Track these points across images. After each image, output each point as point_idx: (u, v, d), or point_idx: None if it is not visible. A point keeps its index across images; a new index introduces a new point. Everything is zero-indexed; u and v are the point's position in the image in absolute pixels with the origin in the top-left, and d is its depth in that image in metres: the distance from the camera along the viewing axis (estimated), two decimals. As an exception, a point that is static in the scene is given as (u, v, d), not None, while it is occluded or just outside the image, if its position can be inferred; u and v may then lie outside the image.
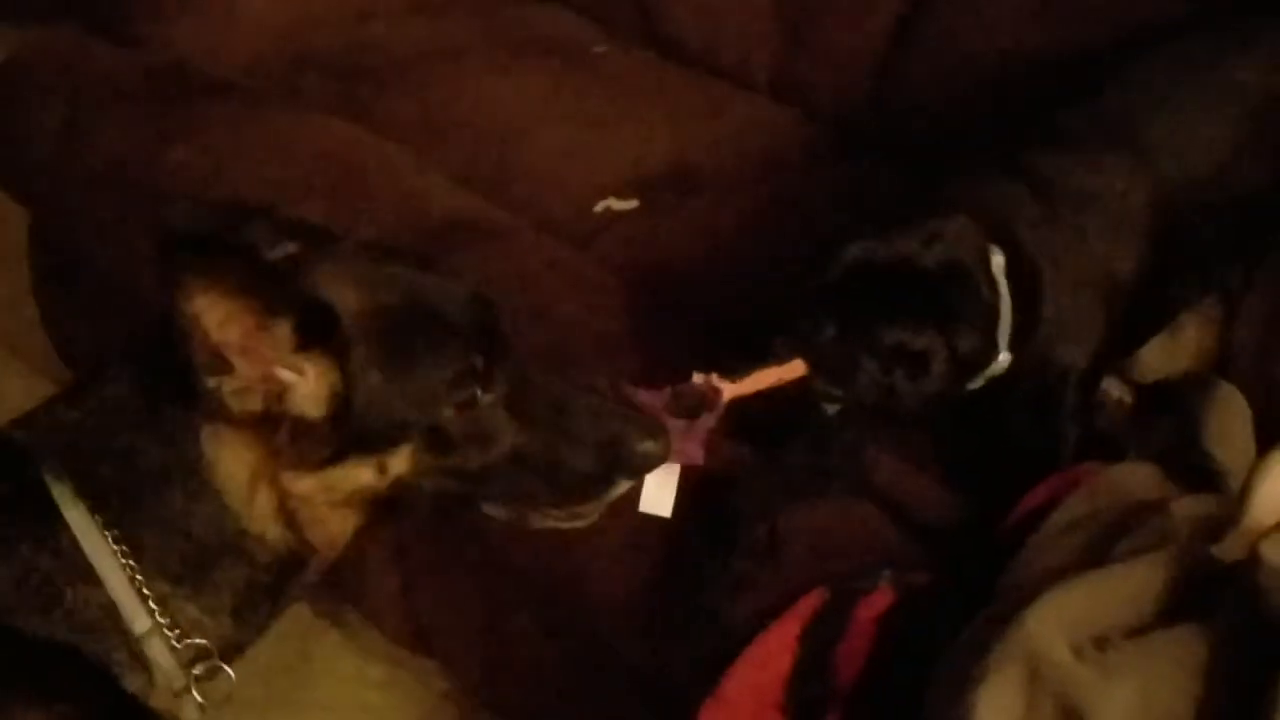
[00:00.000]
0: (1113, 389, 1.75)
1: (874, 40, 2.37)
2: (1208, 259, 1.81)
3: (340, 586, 2.13)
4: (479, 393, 1.25)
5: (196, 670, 1.24)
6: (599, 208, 2.17)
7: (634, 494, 1.42)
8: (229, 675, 1.27)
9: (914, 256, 1.57)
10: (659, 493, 1.49)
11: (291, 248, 1.25)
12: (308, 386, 1.18)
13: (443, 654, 2.11)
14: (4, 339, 2.79)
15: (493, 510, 1.34)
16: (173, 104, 2.29)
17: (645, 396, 1.47)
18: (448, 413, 1.24)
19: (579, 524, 1.36)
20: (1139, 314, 1.76)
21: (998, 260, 1.60)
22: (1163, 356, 1.78)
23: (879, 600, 1.48)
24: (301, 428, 1.19)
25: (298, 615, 1.85)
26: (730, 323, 1.69)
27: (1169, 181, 1.75)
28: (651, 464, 1.36)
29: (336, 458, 1.20)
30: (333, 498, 1.24)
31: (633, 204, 2.18)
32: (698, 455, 1.47)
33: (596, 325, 1.86)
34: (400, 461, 1.23)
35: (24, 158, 2.45)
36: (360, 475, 1.22)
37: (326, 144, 2.21)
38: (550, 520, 1.35)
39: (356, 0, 2.63)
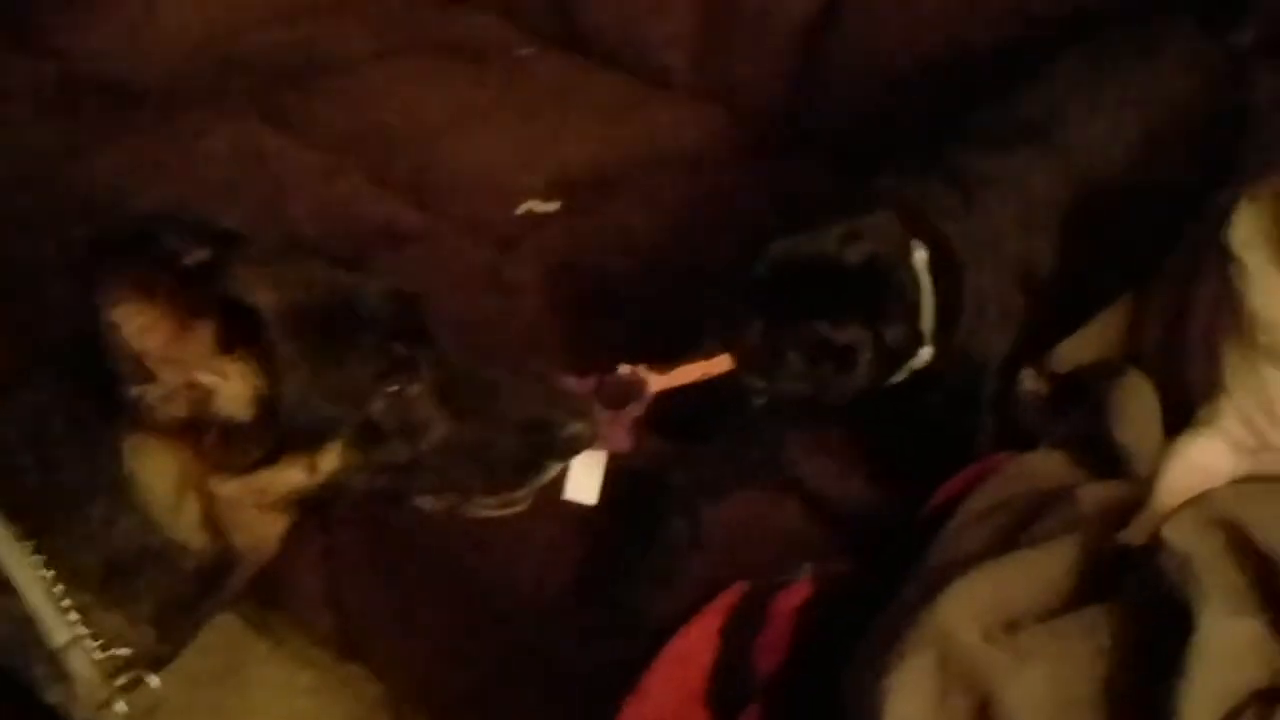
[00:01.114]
0: (1027, 380, 1.76)
1: (793, 39, 2.40)
2: (1123, 254, 1.84)
3: (268, 593, 2.11)
4: (406, 384, 1.25)
5: (120, 681, 1.23)
6: (521, 210, 2.18)
7: (561, 485, 1.45)
8: (154, 685, 1.26)
9: (838, 253, 1.59)
10: (585, 480, 1.51)
11: (208, 253, 1.22)
12: (233, 389, 1.18)
13: (372, 658, 2.11)
14: None
15: (425, 503, 1.33)
16: (89, 114, 2.29)
17: (572, 385, 1.49)
18: (376, 406, 1.23)
19: (511, 511, 1.36)
20: (1059, 309, 1.79)
21: (920, 255, 1.63)
22: (1076, 347, 1.78)
23: (798, 592, 1.50)
24: (229, 431, 1.18)
25: (225, 624, 1.85)
26: (656, 320, 1.71)
27: (1083, 177, 1.78)
28: (580, 445, 1.36)
29: (266, 459, 1.20)
30: (263, 500, 1.23)
31: (555, 205, 2.19)
32: (624, 442, 1.49)
33: (520, 325, 1.87)
34: (331, 459, 1.22)
35: None
36: (291, 476, 1.22)
37: (245, 150, 2.21)
38: (483, 509, 1.35)
39: (275, 5, 2.63)
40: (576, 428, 1.34)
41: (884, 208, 1.65)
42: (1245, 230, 1.57)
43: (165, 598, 1.25)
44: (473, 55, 2.59)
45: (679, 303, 1.64)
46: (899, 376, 1.66)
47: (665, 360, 1.54)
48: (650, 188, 2.21)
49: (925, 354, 1.65)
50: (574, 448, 1.36)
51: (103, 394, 1.15)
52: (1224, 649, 1.23)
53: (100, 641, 1.21)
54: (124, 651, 1.23)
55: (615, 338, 1.64)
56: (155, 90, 2.38)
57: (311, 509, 1.29)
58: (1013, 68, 1.93)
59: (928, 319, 1.63)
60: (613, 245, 2.06)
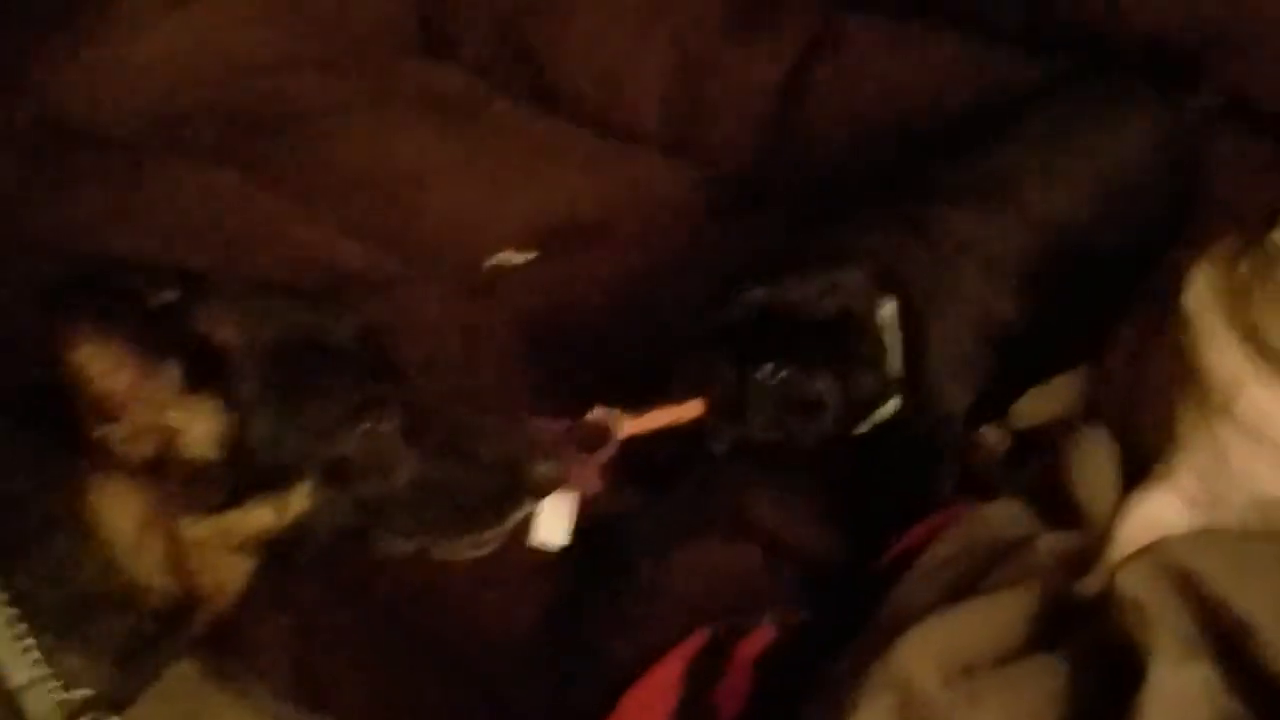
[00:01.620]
0: (989, 435, 1.79)
1: (765, 100, 2.45)
2: (1083, 309, 1.85)
3: (227, 642, 2.05)
4: (377, 421, 1.24)
5: None
6: (492, 261, 2.20)
7: (527, 529, 1.43)
8: None
9: (810, 303, 1.62)
10: (554, 523, 1.49)
11: (173, 295, 1.22)
12: (199, 429, 1.17)
13: (332, 708, 2.07)
14: None
15: (394, 546, 1.32)
16: (59, 156, 2.29)
17: (543, 427, 1.49)
18: (347, 443, 1.22)
19: (480, 553, 1.35)
20: (1021, 361, 1.81)
21: (889, 308, 1.66)
22: (1037, 403, 1.81)
23: (759, 639, 1.52)
24: (196, 472, 1.18)
25: (185, 673, 1.84)
26: (627, 367, 1.73)
27: (1044, 234, 1.83)
28: (551, 485, 1.36)
29: (234, 500, 1.20)
30: (229, 542, 1.22)
31: (529, 256, 2.21)
32: (595, 484, 1.49)
33: (490, 371, 1.89)
34: (300, 498, 1.22)
35: None
36: (260, 516, 1.21)
37: (213, 197, 2.22)
38: (452, 552, 1.34)
39: (247, 54, 2.63)
40: (547, 468, 1.33)
41: (853, 261, 1.68)
42: (1197, 290, 1.60)
43: (127, 639, 1.24)
44: (445, 107, 2.61)
45: (649, 350, 1.66)
46: (864, 428, 1.68)
47: (637, 405, 1.55)
48: (622, 239, 2.23)
49: (892, 404, 1.68)
50: (545, 488, 1.35)
51: (65, 433, 1.15)
52: (1175, 696, 1.25)
53: (61, 682, 1.21)
54: (85, 692, 1.22)
55: (586, 383, 1.65)
56: (126, 135, 2.39)
57: (278, 551, 1.26)
58: (978, 128, 1.98)
59: (894, 369, 1.66)
60: (584, 294, 2.07)
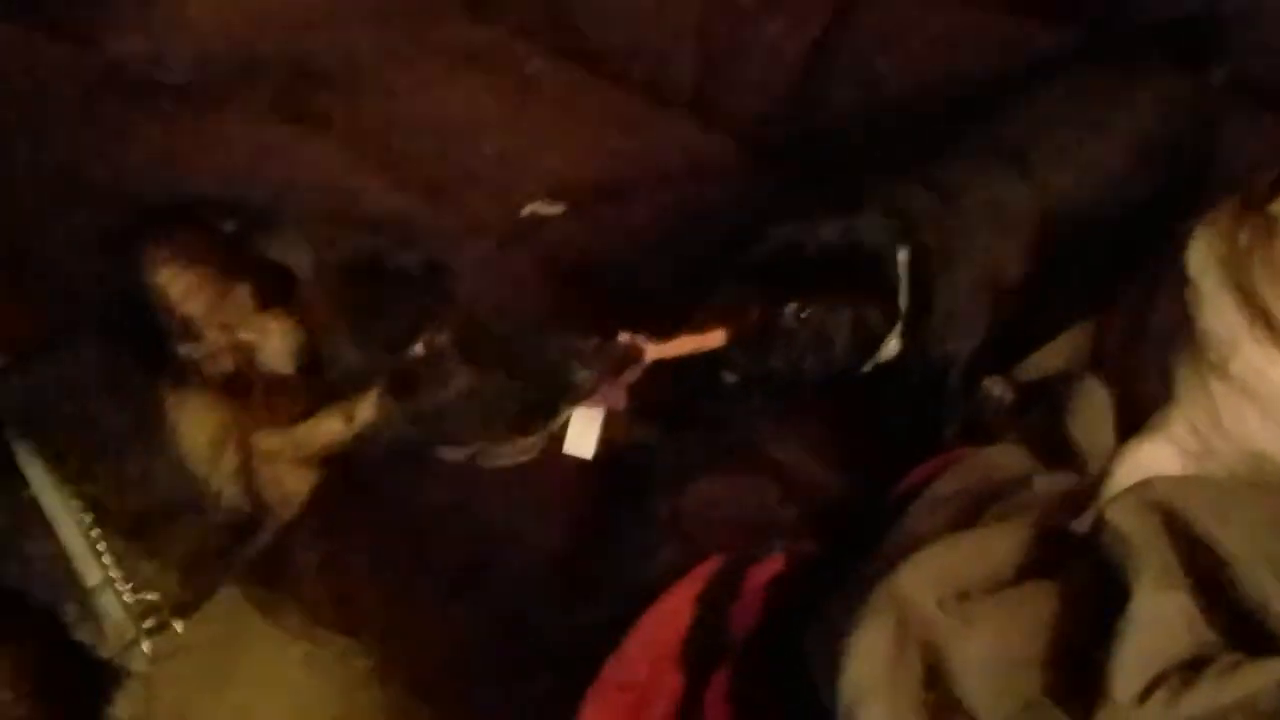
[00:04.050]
0: (995, 387, 1.83)
1: (790, 64, 2.46)
2: (1087, 272, 1.90)
3: (268, 570, 2.10)
4: (435, 334, 1.30)
5: (147, 624, 1.28)
6: (526, 211, 2.23)
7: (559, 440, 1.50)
8: (178, 631, 1.30)
9: (830, 241, 1.66)
10: (583, 436, 1.58)
11: (240, 224, 1.25)
12: (273, 345, 1.21)
13: (362, 632, 2.14)
14: None
15: (448, 453, 1.38)
16: (121, 105, 2.33)
17: (576, 344, 1.49)
18: (408, 355, 1.28)
19: (524, 458, 1.41)
20: (1023, 318, 1.85)
21: (902, 256, 1.70)
22: (1043, 358, 1.86)
23: (770, 566, 1.57)
24: (274, 385, 1.22)
25: (227, 598, 1.89)
26: (651, 307, 1.71)
27: (1055, 198, 1.85)
28: (587, 390, 1.42)
29: (306, 412, 1.25)
30: (300, 453, 1.27)
31: (560, 208, 2.24)
32: (620, 400, 1.55)
33: (526, 310, 1.92)
34: (367, 408, 1.27)
35: None
36: (330, 426, 1.26)
37: (265, 144, 2.25)
38: (499, 458, 1.40)
39: (301, 9, 2.66)
40: (584, 375, 1.40)
41: (873, 208, 1.72)
42: (1200, 255, 1.66)
43: (195, 548, 1.29)
44: (486, 66, 2.63)
45: (673, 293, 1.69)
46: (868, 367, 1.72)
47: (661, 335, 1.58)
48: (649, 195, 2.25)
49: (893, 346, 1.72)
50: (582, 394, 1.41)
51: (143, 352, 1.20)
52: (1155, 619, 1.31)
53: (131, 585, 1.25)
54: (153, 596, 1.27)
55: (613, 323, 1.64)
56: (184, 86, 2.43)
57: (339, 467, 1.31)
58: (998, 94, 1.99)
59: (901, 313, 1.70)
60: (612, 244, 2.11)
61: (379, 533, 1.97)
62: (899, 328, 1.71)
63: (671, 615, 1.54)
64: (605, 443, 1.62)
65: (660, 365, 1.57)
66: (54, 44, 2.47)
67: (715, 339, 1.62)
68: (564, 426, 1.48)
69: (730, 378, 1.68)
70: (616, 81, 2.63)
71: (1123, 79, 1.99)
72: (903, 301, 1.71)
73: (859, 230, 1.68)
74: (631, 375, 1.54)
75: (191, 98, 2.39)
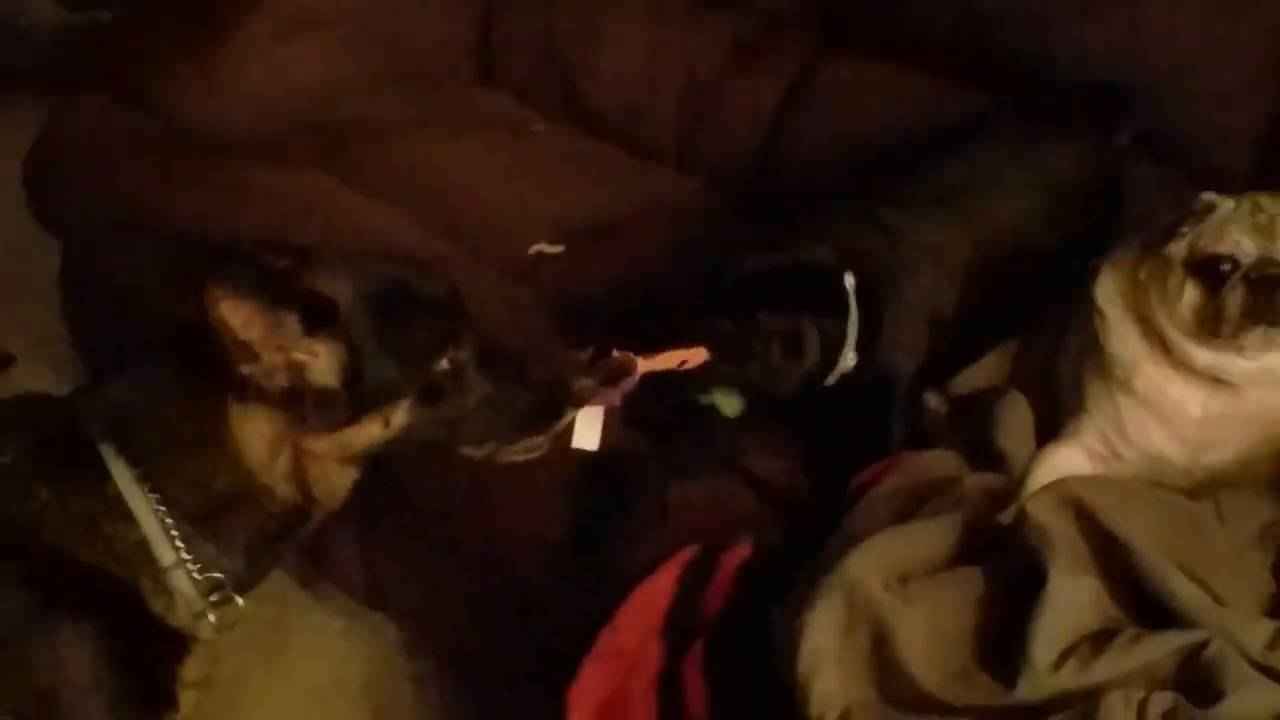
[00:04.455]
0: (932, 399, 1.85)
1: (759, 124, 2.45)
2: (1013, 302, 1.90)
3: (313, 556, 2.16)
4: (457, 351, 1.32)
5: (213, 598, 1.31)
6: (532, 250, 2.23)
7: (567, 438, 1.51)
8: (239, 605, 1.34)
9: (790, 267, 1.67)
10: (588, 431, 1.58)
11: (288, 260, 1.31)
12: (321, 363, 1.25)
13: (393, 608, 2.16)
14: (36, 350, 2.83)
15: (469, 451, 1.40)
16: (183, 160, 2.33)
17: (576, 357, 1.52)
18: (435, 369, 1.30)
19: (534, 454, 1.43)
20: (959, 341, 1.85)
21: (850, 280, 1.70)
22: (972, 374, 1.88)
23: (740, 553, 1.57)
24: (322, 397, 1.25)
25: (277, 579, 1.84)
26: (641, 334, 1.69)
27: (985, 239, 1.84)
28: (587, 397, 1.44)
29: (351, 418, 1.27)
30: (344, 454, 1.30)
31: (560, 248, 2.24)
32: (617, 399, 1.55)
33: (529, 336, 1.91)
34: (401, 415, 1.30)
35: (60, 202, 2.50)
36: (370, 430, 1.29)
37: (308, 193, 2.24)
38: (512, 454, 1.42)
39: (335, 78, 2.64)
40: (584, 382, 1.42)
41: (824, 243, 1.73)
42: (1107, 289, 1.69)
43: (253, 534, 1.32)
44: (496, 126, 2.62)
45: (660, 321, 1.69)
46: (831, 380, 1.72)
47: (652, 345, 1.59)
48: (638, 237, 2.24)
49: (850, 359, 1.71)
50: (583, 399, 1.44)
51: (209, 370, 1.23)
52: (1068, 598, 1.31)
53: (199, 565, 1.30)
54: (217, 575, 1.31)
55: (607, 341, 1.64)
56: (237, 143, 2.43)
57: (375, 465, 1.34)
58: (936, 149, 1.98)
59: (853, 331, 1.70)
60: (606, 279, 2.10)
61: (406, 523, 1.98)
62: (854, 340, 1.70)
63: (655, 594, 1.54)
64: (604, 444, 1.62)
65: (650, 379, 1.57)
66: (130, 110, 2.48)
67: (697, 354, 1.62)
68: (570, 426, 1.48)
69: (705, 400, 1.68)
70: (607, 139, 2.63)
71: (1044, 136, 1.99)
72: (854, 322, 1.70)
73: (809, 255, 1.69)
74: (628, 385, 1.54)
75: (247, 153, 2.40)
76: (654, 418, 1.71)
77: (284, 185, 2.28)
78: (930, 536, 1.46)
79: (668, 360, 1.59)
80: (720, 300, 1.66)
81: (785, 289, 1.66)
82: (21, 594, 1.24)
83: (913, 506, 1.54)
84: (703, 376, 1.64)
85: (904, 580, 1.40)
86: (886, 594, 1.37)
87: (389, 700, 2.15)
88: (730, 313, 1.65)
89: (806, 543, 1.55)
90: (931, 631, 1.35)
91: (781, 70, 2.46)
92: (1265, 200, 1.59)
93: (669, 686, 1.46)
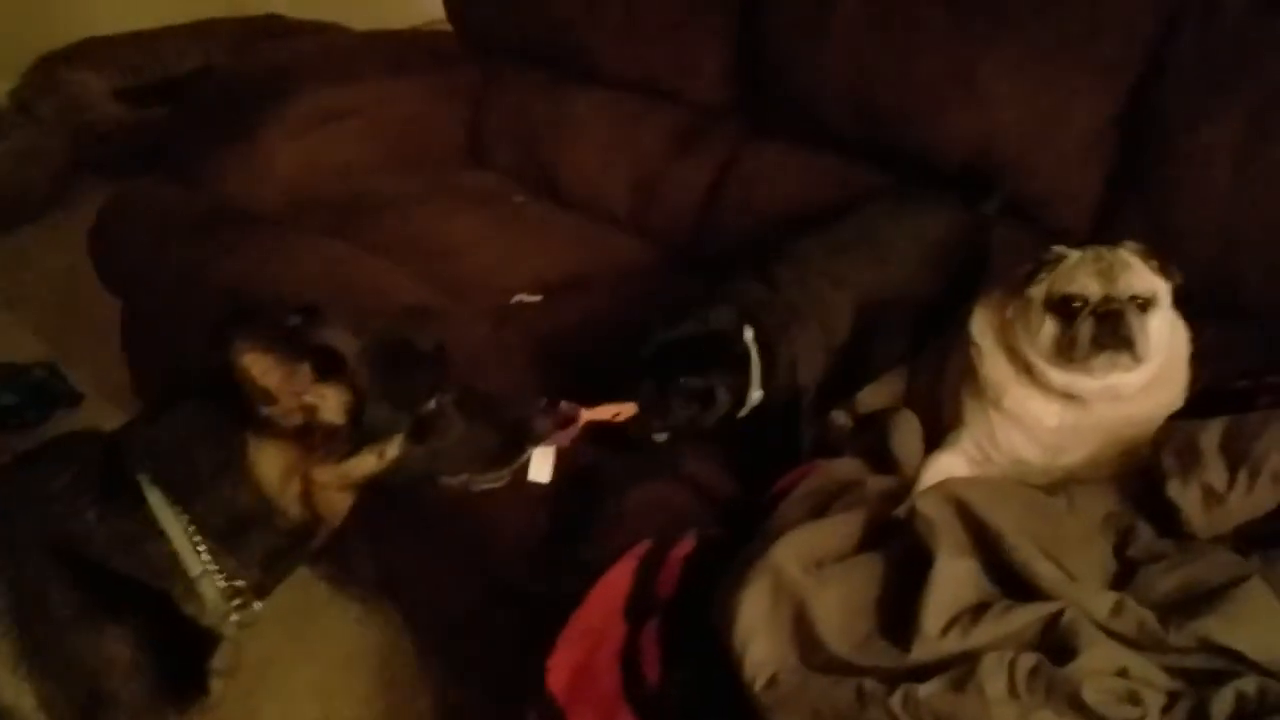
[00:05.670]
0: (838, 416, 1.85)
1: (693, 200, 2.45)
2: (898, 336, 1.89)
3: (331, 553, 2.05)
4: (442, 395, 1.30)
5: (235, 603, 1.28)
6: (514, 299, 2.22)
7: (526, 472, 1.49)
8: (258, 608, 1.31)
9: (696, 334, 1.66)
10: (542, 465, 1.58)
11: (301, 319, 1.30)
12: (330, 405, 1.22)
13: (400, 598, 2.12)
14: (103, 390, 2.81)
15: (447, 480, 1.37)
16: (223, 230, 2.32)
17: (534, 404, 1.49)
18: (423, 411, 1.28)
19: (499, 483, 1.41)
20: (853, 367, 1.84)
21: (749, 333, 1.70)
22: (871, 397, 1.88)
23: (686, 546, 1.56)
24: (330, 433, 1.23)
25: (300, 574, 1.86)
26: (600, 373, 1.73)
27: (869, 289, 1.83)
28: (544, 436, 1.42)
29: (353, 451, 1.25)
30: (345, 482, 1.27)
31: (539, 297, 2.23)
32: (566, 441, 1.55)
33: (510, 375, 1.91)
34: (394, 449, 1.27)
35: (120, 265, 2.49)
36: (368, 461, 1.26)
37: (326, 257, 2.23)
38: (483, 483, 1.39)
39: (351, 161, 2.65)
40: (541, 424, 1.41)
41: (726, 303, 1.72)
42: (980, 324, 1.69)
43: (269, 549, 1.29)
44: (484, 200, 2.62)
45: (616, 362, 1.69)
46: (744, 411, 1.71)
47: (593, 402, 1.60)
48: (602, 287, 2.24)
49: (757, 395, 1.71)
50: (541, 438, 1.42)
51: (229, 411, 1.20)
52: (951, 577, 1.32)
53: (223, 574, 1.27)
54: (239, 583, 1.28)
55: (570, 384, 1.68)
56: (269, 215, 2.42)
57: (371, 490, 1.30)
58: (830, 215, 1.97)
59: (756, 372, 1.69)
60: (575, 321, 2.09)
61: (410, 528, 1.94)
62: (758, 381, 1.70)
63: (617, 581, 1.53)
64: (560, 468, 1.60)
65: (592, 424, 1.58)
66: (180, 189, 2.46)
67: (629, 409, 1.62)
68: (527, 462, 1.47)
69: (659, 438, 1.68)
70: (576, 210, 2.63)
71: (920, 205, 1.98)
72: (755, 364, 1.69)
73: (712, 321, 1.68)
74: (573, 431, 1.55)
75: (277, 224, 2.38)
76: (611, 436, 1.67)
77: (308, 249, 2.27)
78: (840, 528, 1.46)
79: (605, 411, 1.60)
80: (642, 365, 1.65)
81: (695, 352, 1.65)
82: (72, 595, 1.21)
83: (825, 504, 1.53)
84: (635, 425, 1.63)
85: (819, 565, 1.40)
86: (805, 576, 1.37)
87: (397, 671, 2.12)
88: (652, 375, 1.64)
89: (739, 536, 1.54)
90: (842, 606, 1.34)
91: (713, 153, 2.46)
92: (1104, 251, 1.61)
93: (630, 656, 1.45)
